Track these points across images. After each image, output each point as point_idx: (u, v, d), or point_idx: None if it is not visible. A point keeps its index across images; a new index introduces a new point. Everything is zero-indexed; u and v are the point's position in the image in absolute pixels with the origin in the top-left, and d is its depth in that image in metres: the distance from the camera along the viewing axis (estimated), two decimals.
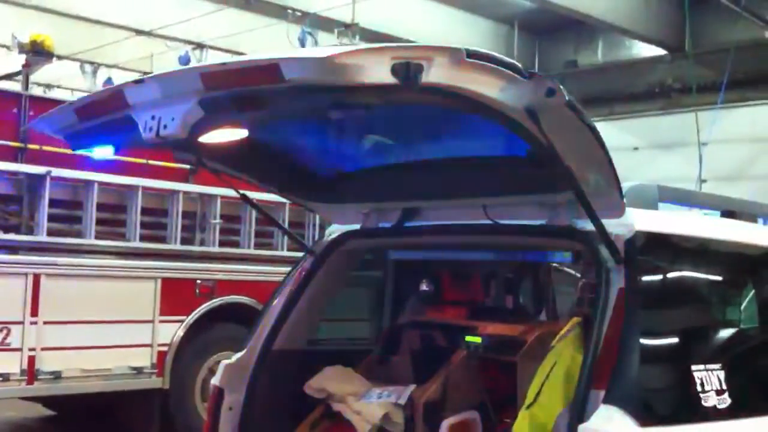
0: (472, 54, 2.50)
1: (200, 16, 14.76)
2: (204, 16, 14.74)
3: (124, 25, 15.79)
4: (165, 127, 2.76)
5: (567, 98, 2.67)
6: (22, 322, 6.67)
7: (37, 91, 8.49)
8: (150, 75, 2.92)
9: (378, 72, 2.39)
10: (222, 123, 2.84)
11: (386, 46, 2.44)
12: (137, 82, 2.89)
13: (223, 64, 2.63)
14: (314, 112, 2.80)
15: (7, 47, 9.95)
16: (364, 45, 2.45)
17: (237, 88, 2.63)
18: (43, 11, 14.81)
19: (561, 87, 2.66)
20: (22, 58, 8.15)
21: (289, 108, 2.70)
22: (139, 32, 15.96)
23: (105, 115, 3.06)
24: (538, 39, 17.03)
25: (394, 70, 2.40)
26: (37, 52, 8.09)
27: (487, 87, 2.59)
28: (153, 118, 2.80)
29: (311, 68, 2.45)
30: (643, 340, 3.04)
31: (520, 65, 2.63)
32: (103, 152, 3.35)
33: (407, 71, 2.40)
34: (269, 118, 2.96)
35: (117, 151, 3.32)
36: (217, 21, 14.48)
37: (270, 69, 2.46)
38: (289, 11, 14.35)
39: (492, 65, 2.56)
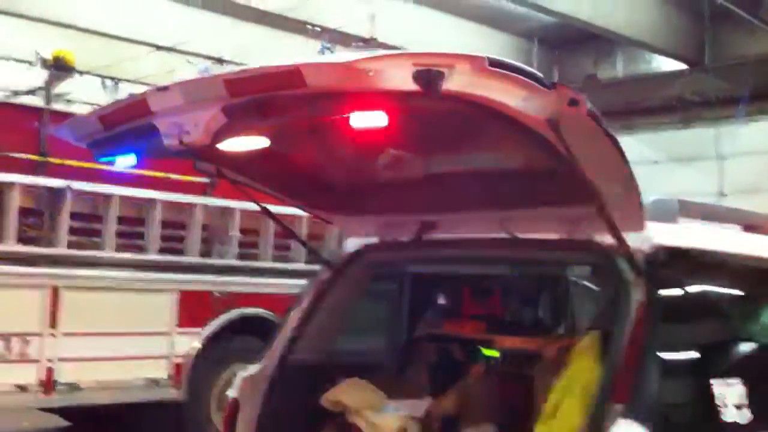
0: (493, 62, 2.48)
1: (220, 31, 14.86)
2: (223, 32, 14.84)
3: (144, 41, 15.92)
4: (188, 133, 2.78)
5: (589, 108, 2.65)
6: (41, 334, 6.72)
7: (57, 105, 8.60)
8: (174, 82, 2.92)
9: (399, 78, 2.38)
10: (244, 130, 2.84)
11: (408, 53, 2.43)
12: (161, 89, 2.90)
13: (246, 70, 2.65)
14: (335, 120, 2.80)
15: (29, 62, 10.05)
16: (385, 51, 2.44)
17: (260, 95, 2.64)
18: (65, 27, 14.96)
19: (583, 97, 2.64)
20: (44, 74, 8.23)
21: (310, 114, 2.70)
22: (159, 47, 16.09)
23: (128, 123, 3.07)
24: (557, 52, 17.04)
25: (416, 77, 2.38)
26: (59, 68, 8.17)
27: (508, 96, 2.56)
28: (176, 125, 2.82)
29: (333, 74, 2.45)
30: (662, 354, 3.02)
31: (541, 75, 2.61)
32: (125, 161, 3.34)
33: (428, 78, 2.39)
34: (290, 127, 2.96)
35: (139, 160, 3.31)
36: (236, 36, 14.58)
37: (292, 75, 2.47)
38: (308, 26, 14.43)
39: (514, 74, 2.53)
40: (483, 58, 2.47)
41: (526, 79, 2.56)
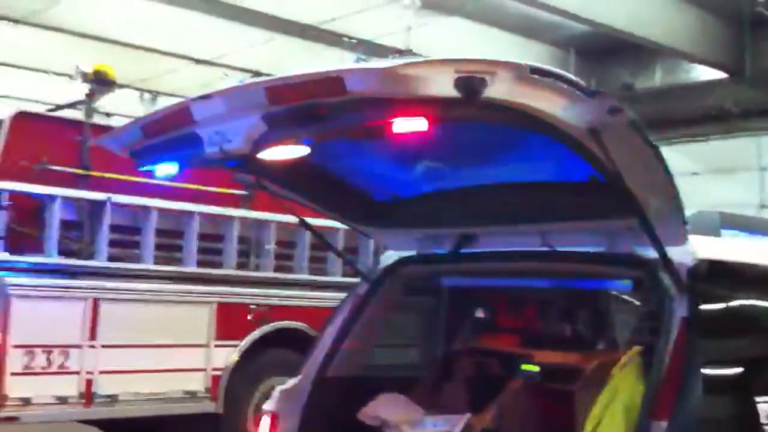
0: (535, 70, 2.46)
1: (257, 44, 14.99)
2: (260, 45, 14.97)
3: (182, 54, 16.12)
4: (229, 141, 2.80)
5: (631, 117, 2.61)
6: (80, 346, 6.77)
7: (97, 119, 8.71)
8: (216, 90, 2.93)
9: (440, 84, 2.37)
10: (284, 138, 2.83)
11: (449, 59, 2.41)
12: (203, 97, 2.92)
13: (287, 77, 2.64)
14: (374, 128, 2.79)
15: (70, 76, 10.21)
16: (425, 58, 2.43)
17: (300, 102, 2.63)
18: (104, 41, 15.19)
19: (625, 105, 2.60)
20: (85, 88, 8.33)
21: (350, 121, 2.68)
22: (197, 61, 16.27)
23: (170, 132, 3.09)
24: (594, 62, 16.90)
25: (457, 84, 2.37)
26: (100, 82, 8.26)
27: (550, 104, 2.54)
28: (217, 133, 2.84)
29: (373, 79, 2.45)
30: (705, 370, 2.96)
31: (583, 83, 2.58)
32: (166, 170, 3.36)
33: (470, 85, 2.37)
34: (330, 135, 2.95)
35: (180, 169, 3.33)
36: (273, 49, 14.70)
37: (333, 81, 2.48)
38: (344, 38, 14.49)
39: (555, 82, 2.51)
40: (524, 65, 2.45)
41: (567, 87, 2.54)
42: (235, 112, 2.80)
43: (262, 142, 2.78)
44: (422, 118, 2.55)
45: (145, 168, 3.42)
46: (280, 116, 2.69)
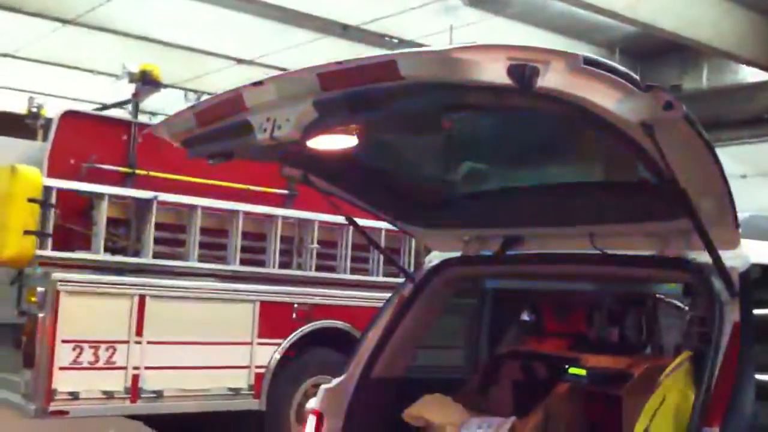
0: (588, 61, 2.42)
1: (299, 44, 15.05)
2: (302, 45, 15.02)
3: (225, 55, 16.25)
4: (279, 128, 2.79)
5: (686, 112, 2.56)
6: (127, 341, 6.86)
7: (143, 118, 8.83)
8: (269, 76, 2.92)
9: (493, 71, 2.33)
10: (334, 125, 2.80)
11: (503, 45, 2.37)
12: (256, 84, 2.91)
13: (340, 62, 2.61)
14: (426, 116, 2.76)
15: (116, 76, 10.35)
16: (480, 42, 2.39)
17: (353, 88, 2.61)
18: (149, 41, 15.37)
19: (679, 100, 2.55)
20: (131, 87, 8.44)
21: (403, 108, 2.64)
22: (240, 61, 16.39)
23: (223, 119, 3.09)
24: (640, 63, 16.68)
25: (510, 71, 2.34)
26: (146, 82, 8.37)
27: (603, 97, 2.48)
28: (268, 120, 2.83)
29: (427, 64, 2.41)
30: (759, 377, 2.91)
31: (636, 76, 2.53)
32: (218, 159, 3.36)
33: (523, 73, 2.34)
34: (381, 124, 2.93)
35: (231, 158, 3.33)
36: (315, 49, 14.74)
37: (387, 66, 2.45)
38: (387, 38, 14.49)
39: (608, 74, 2.47)
40: (578, 56, 2.41)
41: (620, 80, 2.49)
42: (287, 98, 2.79)
43: (312, 129, 2.76)
44: (473, 107, 2.53)
45: (196, 156, 3.43)
46: (332, 102, 2.67)
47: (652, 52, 16.37)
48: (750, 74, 16.02)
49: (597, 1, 12.41)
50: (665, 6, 13.07)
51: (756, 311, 3.06)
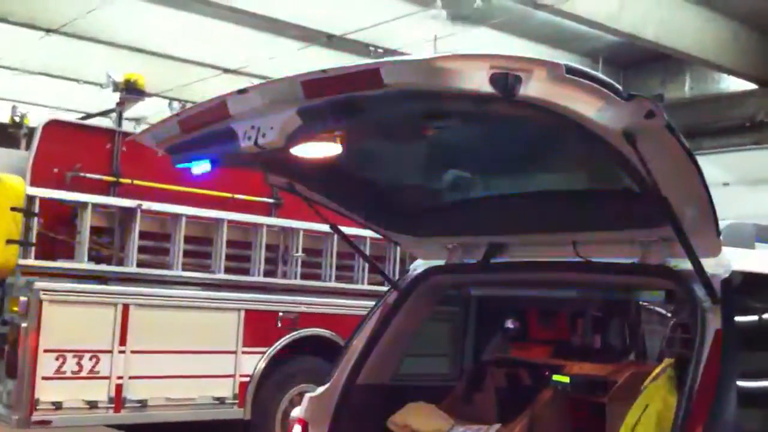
0: (571, 70, 2.44)
1: (284, 53, 15.06)
2: (288, 54, 15.03)
3: (210, 64, 16.23)
4: (263, 136, 2.78)
5: (667, 121, 2.57)
6: (111, 351, 6.84)
7: (127, 127, 8.81)
8: (253, 84, 2.93)
9: (476, 80, 2.35)
10: (319, 133, 2.81)
11: (486, 54, 2.39)
12: (240, 91, 2.91)
13: (324, 70, 2.62)
14: (409, 125, 2.77)
15: (100, 85, 10.32)
16: (463, 51, 2.41)
17: (337, 95, 2.62)
18: (134, 50, 15.34)
19: (662, 109, 2.57)
20: (116, 96, 8.43)
21: (386, 116, 2.65)
22: (225, 70, 16.37)
23: (207, 126, 3.10)
24: (623, 72, 16.80)
25: (493, 80, 2.35)
26: (131, 91, 8.36)
27: (585, 106, 2.50)
28: (253, 127, 2.83)
29: (411, 72, 2.43)
30: (741, 383, 2.93)
31: (618, 85, 2.55)
32: (202, 166, 3.36)
33: (506, 82, 2.35)
34: (365, 131, 2.93)
35: (215, 166, 3.33)
36: (301, 58, 14.73)
37: (370, 74, 2.46)
38: (371, 48, 14.52)
39: (590, 83, 2.48)
40: (560, 64, 2.43)
41: (602, 89, 2.50)
42: (271, 106, 2.80)
43: (296, 137, 2.76)
44: (455, 115, 2.54)
45: (181, 165, 3.43)
46: (316, 110, 2.68)
47: (634, 62, 16.49)
48: (732, 83, 16.16)
49: (580, 10, 12.49)
50: (648, 15, 13.17)
51: (738, 318, 3.09)
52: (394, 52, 14.25)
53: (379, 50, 14.53)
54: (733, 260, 3.14)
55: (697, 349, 2.96)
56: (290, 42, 15.10)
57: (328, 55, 14.89)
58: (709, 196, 2.86)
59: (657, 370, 3.32)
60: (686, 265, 3.03)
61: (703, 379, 2.89)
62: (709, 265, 3.03)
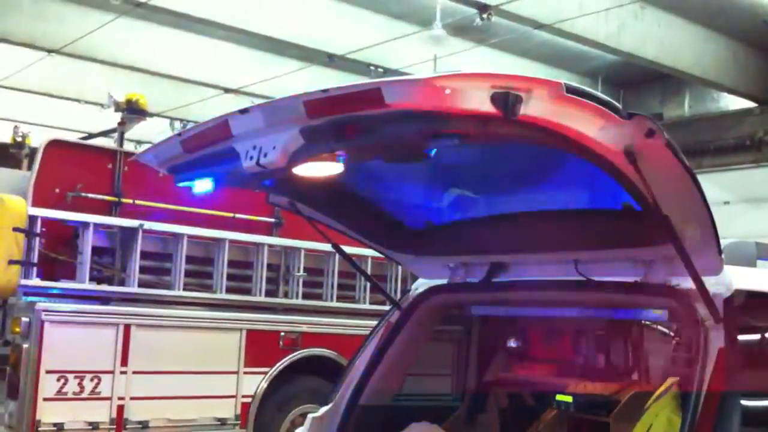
0: (570, 89, 2.45)
1: (285, 74, 15.13)
2: (289, 74, 15.10)
3: (211, 84, 16.31)
4: (265, 155, 2.78)
5: (667, 140, 2.58)
6: (112, 372, 6.82)
7: (128, 147, 8.83)
8: (255, 104, 2.92)
9: (477, 99, 2.36)
10: (321, 153, 2.80)
11: (487, 73, 2.40)
12: (242, 111, 2.91)
13: (326, 90, 2.62)
14: (410, 144, 2.78)
15: (101, 105, 10.36)
16: (464, 70, 2.42)
17: (338, 115, 2.62)
18: (135, 70, 15.41)
19: (662, 128, 2.58)
20: (117, 116, 8.46)
21: (388, 136, 2.65)
22: (226, 90, 16.45)
23: (209, 146, 3.09)
24: (622, 92, 16.87)
25: (494, 100, 2.36)
26: (132, 111, 8.39)
27: (585, 125, 2.51)
28: (254, 147, 2.83)
29: (412, 91, 2.43)
30: (744, 402, 2.93)
31: (618, 104, 2.56)
32: (204, 186, 3.35)
33: (506, 101, 2.36)
34: (367, 151, 2.94)
35: (217, 185, 3.33)
36: (302, 78, 14.82)
37: (372, 93, 2.46)
38: (371, 68, 14.59)
39: (590, 102, 2.49)
40: (561, 84, 2.44)
41: (602, 108, 2.52)
42: (273, 125, 2.80)
43: (298, 156, 2.76)
44: (458, 134, 2.55)
45: (183, 184, 3.43)
46: (318, 130, 2.68)
47: (634, 81, 16.55)
48: (731, 102, 16.22)
49: (580, 30, 12.56)
50: (647, 35, 13.24)
51: (740, 337, 3.09)
52: (394, 72, 14.31)
53: (380, 70, 14.60)
54: (735, 279, 3.14)
55: (700, 368, 2.95)
56: (291, 62, 15.18)
57: (328, 75, 14.97)
58: (711, 215, 2.86)
59: (660, 390, 3.32)
60: (688, 283, 3.03)
61: (707, 398, 2.89)
62: (711, 283, 3.03)
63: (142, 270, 7.31)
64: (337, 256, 7.72)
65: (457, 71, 2.40)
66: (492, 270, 3.90)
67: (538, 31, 12.95)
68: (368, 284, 8.42)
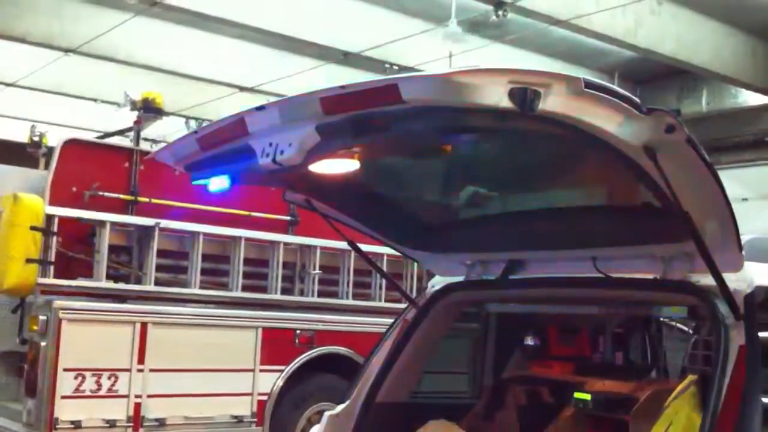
0: (589, 84, 2.42)
1: (300, 72, 15.13)
2: (305, 72, 15.10)
3: (227, 82, 16.33)
4: (282, 152, 2.77)
5: (688, 135, 2.56)
6: (129, 370, 6.84)
7: (144, 145, 8.84)
8: (271, 102, 2.92)
9: (495, 94, 2.33)
10: (337, 150, 2.80)
11: (504, 68, 2.37)
12: (259, 108, 2.91)
13: (343, 86, 2.60)
14: (427, 141, 2.75)
15: (117, 104, 10.36)
16: (482, 65, 2.40)
17: (355, 111, 2.61)
18: (151, 69, 15.45)
19: (682, 123, 2.55)
20: (133, 115, 8.48)
21: (405, 132, 2.63)
22: (242, 88, 16.47)
23: (226, 144, 3.09)
24: (639, 88, 16.75)
25: (512, 95, 2.33)
26: (148, 110, 8.40)
27: (604, 120, 2.48)
28: (271, 144, 2.82)
29: (429, 87, 2.41)
30: (765, 400, 2.89)
31: (638, 100, 2.53)
32: (220, 183, 3.34)
33: (524, 97, 2.34)
34: (384, 147, 2.92)
35: (233, 183, 3.32)
36: (317, 76, 14.81)
37: (389, 89, 2.44)
38: (387, 65, 14.56)
39: (610, 97, 2.46)
40: (579, 79, 2.41)
41: (622, 103, 2.49)
42: (290, 122, 2.78)
43: (315, 153, 2.75)
44: (474, 130, 2.52)
45: (199, 182, 3.43)
46: (335, 126, 2.67)
47: (651, 77, 16.44)
48: (749, 97, 16.08)
49: (597, 26, 12.49)
50: (664, 31, 13.15)
51: (762, 334, 3.05)
52: (409, 69, 14.28)
53: (395, 67, 14.57)
54: (756, 275, 3.10)
55: (720, 366, 2.92)
56: (306, 60, 15.17)
57: (343, 73, 14.96)
58: (731, 211, 2.83)
59: (680, 387, 3.29)
60: (708, 280, 3.00)
61: (728, 396, 2.86)
62: (731, 280, 3.00)
63: (159, 268, 7.33)
64: (353, 253, 7.71)
65: (475, 67, 2.38)
66: (509, 267, 3.87)
67: (554, 27, 12.88)
68: (384, 282, 8.40)
